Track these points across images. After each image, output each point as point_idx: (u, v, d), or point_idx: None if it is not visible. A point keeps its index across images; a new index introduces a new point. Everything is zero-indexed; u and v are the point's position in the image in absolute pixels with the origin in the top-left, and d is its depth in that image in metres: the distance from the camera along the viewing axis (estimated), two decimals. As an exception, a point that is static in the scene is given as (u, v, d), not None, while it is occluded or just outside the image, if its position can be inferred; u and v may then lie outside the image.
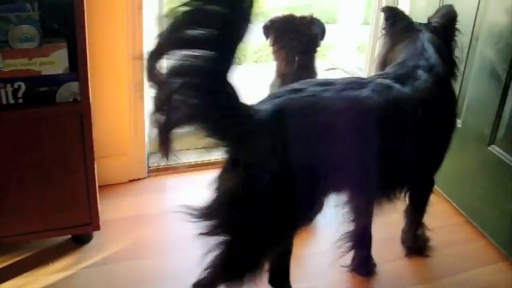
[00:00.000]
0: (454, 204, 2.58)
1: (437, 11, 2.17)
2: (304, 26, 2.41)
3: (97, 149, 2.12)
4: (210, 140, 1.58)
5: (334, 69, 4.29)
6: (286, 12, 2.45)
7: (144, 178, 2.76)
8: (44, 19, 1.92)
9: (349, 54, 4.60)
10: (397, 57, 2.02)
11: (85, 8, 1.88)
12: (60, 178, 2.07)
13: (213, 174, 2.81)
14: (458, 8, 2.11)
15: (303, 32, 2.40)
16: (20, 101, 1.93)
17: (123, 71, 2.49)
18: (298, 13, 2.48)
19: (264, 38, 2.45)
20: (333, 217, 2.54)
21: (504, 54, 2.26)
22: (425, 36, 2.02)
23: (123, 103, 2.56)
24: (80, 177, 2.10)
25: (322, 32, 2.44)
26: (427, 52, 1.95)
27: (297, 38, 2.39)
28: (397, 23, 2.13)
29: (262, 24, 2.44)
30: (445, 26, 2.08)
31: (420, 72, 1.86)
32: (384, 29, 2.19)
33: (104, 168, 2.45)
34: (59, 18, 1.99)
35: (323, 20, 2.48)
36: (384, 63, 2.11)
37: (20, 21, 1.86)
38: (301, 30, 2.40)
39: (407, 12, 2.75)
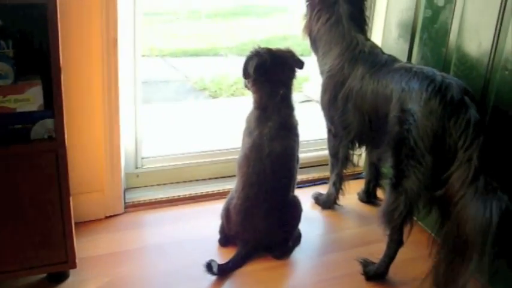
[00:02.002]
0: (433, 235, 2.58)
1: None
2: (287, 59, 2.44)
3: (73, 185, 2.10)
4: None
5: (309, 101, 4.32)
6: (263, 46, 2.47)
7: (121, 214, 2.73)
8: (19, 56, 1.92)
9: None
10: (322, 32, 2.58)
11: (60, 46, 1.88)
12: (35, 215, 2.04)
13: (191, 208, 2.83)
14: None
15: (284, 64, 2.43)
16: (-6, 138, 1.92)
17: (98, 108, 2.49)
18: (273, 46, 2.50)
19: (247, 71, 2.44)
20: (312, 250, 2.56)
21: (475, 85, 2.31)
22: (343, 11, 2.54)
23: (99, 139, 2.54)
24: (56, 215, 2.07)
25: (302, 65, 2.47)
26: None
27: (282, 71, 2.42)
28: None
29: (248, 56, 2.43)
30: None
31: None
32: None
33: (80, 204, 2.43)
34: (34, 55, 1.99)
35: (298, 53, 2.50)
36: (309, 31, 2.68)
37: (-6, 58, 1.86)
38: (285, 63, 2.43)
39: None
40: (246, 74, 2.43)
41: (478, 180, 1.99)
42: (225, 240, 2.52)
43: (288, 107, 2.44)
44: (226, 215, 2.46)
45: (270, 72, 2.40)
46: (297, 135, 2.46)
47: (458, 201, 2.04)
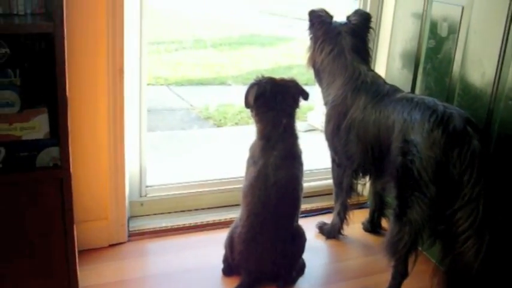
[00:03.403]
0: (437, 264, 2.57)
1: (355, 12, 2.69)
2: (288, 88, 2.45)
3: (77, 213, 2.10)
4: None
5: (313, 130, 4.33)
6: (266, 75, 2.48)
7: (124, 242, 2.72)
8: (26, 85, 1.94)
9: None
10: (326, 63, 2.61)
11: (67, 75, 1.89)
12: (39, 243, 2.04)
13: (195, 237, 2.82)
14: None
15: (287, 94, 2.44)
16: (0, 166, 1.92)
17: (103, 136, 2.50)
18: (278, 75, 2.52)
19: (247, 101, 2.46)
20: (316, 280, 2.54)
21: (479, 115, 2.32)
22: (346, 42, 2.57)
23: (104, 167, 2.55)
24: (59, 243, 2.06)
25: (306, 95, 2.47)
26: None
27: (285, 101, 2.43)
28: (319, 26, 2.64)
29: (250, 85, 2.45)
30: (361, 24, 2.63)
31: None
32: (308, 31, 2.70)
33: (83, 232, 2.42)
34: (41, 83, 2.00)
35: (303, 82, 2.52)
36: (313, 62, 2.69)
37: (1, 86, 1.87)
38: (287, 92, 2.44)
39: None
40: (246, 103, 2.45)
41: (486, 230, 2.04)
42: (229, 269, 2.50)
43: (292, 136, 2.44)
44: (230, 244, 2.45)
45: (272, 101, 2.41)
46: (301, 164, 2.46)
47: (463, 240, 2.06)
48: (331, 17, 2.66)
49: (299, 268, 2.54)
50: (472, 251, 2.05)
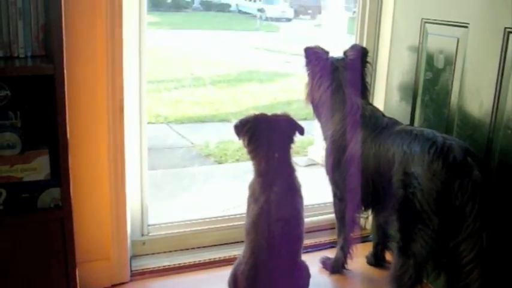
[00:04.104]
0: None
1: (352, 47, 2.70)
2: (280, 123, 2.45)
3: (78, 253, 2.09)
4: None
5: (314, 164, 4.33)
6: (257, 112, 2.49)
7: (127, 282, 2.69)
8: (26, 126, 1.95)
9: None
10: (324, 99, 2.62)
11: (67, 116, 1.90)
12: (40, 285, 2.02)
13: (198, 276, 2.79)
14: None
15: (279, 129, 2.44)
16: (1, 207, 1.92)
17: (104, 175, 2.50)
18: (277, 111, 2.53)
19: (237, 138, 2.47)
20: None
21: (479, 145, 2.32)
22: (343, 77, 2.58)
23: (105, 207, 2.54)
24: (61, 284, 2.05)
25: (301, 130, 2.48)
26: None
27: (274, 136, 2.43)
28: (316, 62, 2.67)
29: (234, 124, 2.46)
30: (358, 58, 2.64)
31: None
32: (306, 67, 2.72)
33: (85, 272, 2.40)
34: (41, 124, 2.02)
35: (302, 117, 2.52)
36: (311, 98, 2.69)
37: (2, 129, 1.88)
38: (277, 127, 2.44)
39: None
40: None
41: (490, 262, 2.02)
42: (233, 307, 2.48)
43: (289, 170, 2.43)
44: (234, 281, 2.42)
45: (263, 137, 2.41)
46: (301, 198, 2.45)
47: (468, 272, 2.05)
48: (327, 52, 2.68)
49: (304, 304, 2.51)
50: (477, 284, 2.03)
